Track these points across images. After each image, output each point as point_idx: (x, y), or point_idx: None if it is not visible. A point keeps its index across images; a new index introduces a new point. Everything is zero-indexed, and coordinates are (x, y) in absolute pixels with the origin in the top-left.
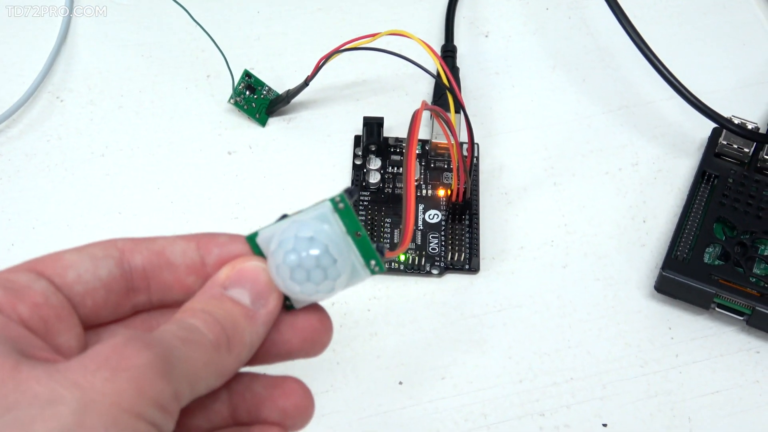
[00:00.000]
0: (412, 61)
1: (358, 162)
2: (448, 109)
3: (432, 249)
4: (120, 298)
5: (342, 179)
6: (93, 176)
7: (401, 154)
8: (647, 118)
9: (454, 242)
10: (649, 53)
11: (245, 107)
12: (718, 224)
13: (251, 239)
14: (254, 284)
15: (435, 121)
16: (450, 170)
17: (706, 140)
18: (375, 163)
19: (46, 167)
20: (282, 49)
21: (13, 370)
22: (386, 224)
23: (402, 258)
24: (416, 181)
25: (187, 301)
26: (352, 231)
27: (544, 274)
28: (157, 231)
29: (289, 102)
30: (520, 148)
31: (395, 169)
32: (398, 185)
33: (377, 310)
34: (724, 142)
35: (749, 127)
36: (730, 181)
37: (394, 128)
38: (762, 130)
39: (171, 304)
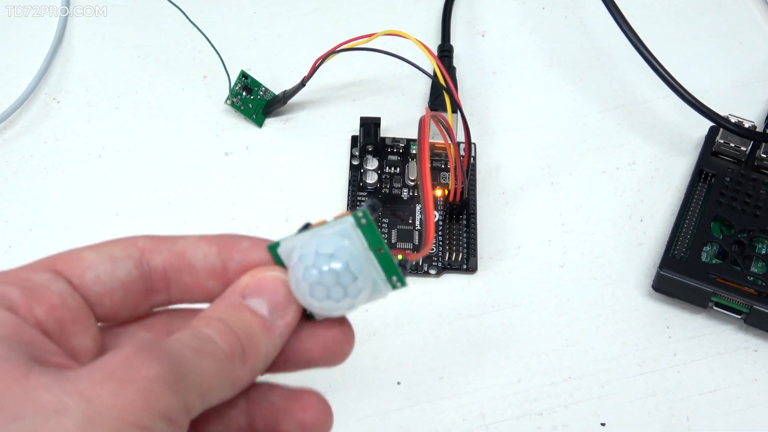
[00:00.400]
0: (409, 62)
1: (355, 162)
2: (445, 109)
3: (429, 249)
4: (138, 299)
5: (339, 179)
6: (90, 178)
7: (398, 154)
8: (644, 117)
9: (452, 242)
10: (645, 52)
11: (242, 108)
12: (715, 223)
13: (273, 248)
14: (273, 295)
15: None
16: (447, 170)
17: (703, 139)
18: (372, 164)
19: (43, 169)
20: (279, 49)
21: (23, 377)
22: (383, 224)
23: (400, 258)
24: (413, 181)
25: (206, 303)
26: (375, 247)
27: (542, 273)
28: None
29: (285, 102)
30: (517, 147)
31: (392, 169)
32: (395, 185)
33: (375, 311)
34: (721, 141)
35: (746, 125)
36: (728, 179)
37: (391, 128)
38: (759, 129)
39: (191, 303)
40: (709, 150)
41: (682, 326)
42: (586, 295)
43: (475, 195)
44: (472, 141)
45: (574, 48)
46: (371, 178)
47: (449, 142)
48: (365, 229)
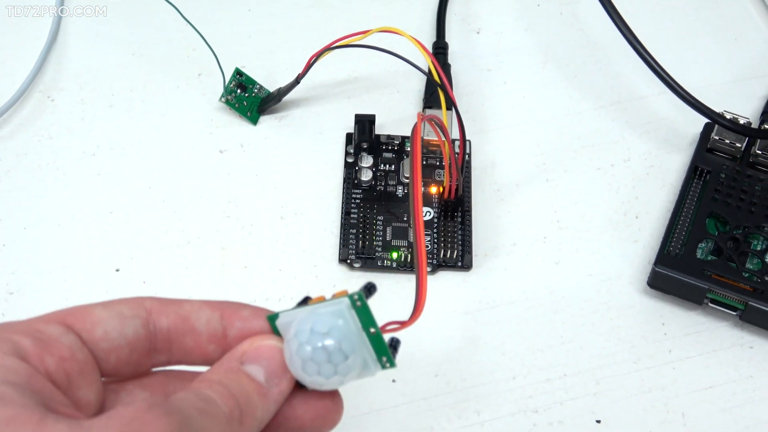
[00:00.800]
0: (404, 58)
1: (350, 159)
2: (439, 106)
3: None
4: (142, 357)
5: (334, 177)
6: (84, 175)
7: (393, 151)
8: (639, 114)
9: (447, 239)
10: (640, 48)
11: (236, 105)
12: (710, 219)
13: (272, 319)
14: (269, 363)
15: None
16: (442, 167)
17: (698, 135)
18: (367, 161)
19: (37, 167)
20: (273, 46)
21: (39, 423)
22: (378, 222)
23: (394, 256)
24: (408, 178)
25: (203, 366)
26: (367, 327)
27: (537, 270)
28: (150, 230)
29: (280, 100)
30: (512, 144)
31: (387, 166)
32: (390, 182)
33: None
34: (716, 138)
35: (741, 122)
36: (723, 176)
37: (386, 125)
38: (754, 125)
39: (190, 365)
40: (704, 146)
41: (677, 323)
42: (582, 292)
43: (470, 192)
44: (467, 138)
45: (569, 44)
46: (366, 176)
47: (443, 139)
48: (360, 311)
